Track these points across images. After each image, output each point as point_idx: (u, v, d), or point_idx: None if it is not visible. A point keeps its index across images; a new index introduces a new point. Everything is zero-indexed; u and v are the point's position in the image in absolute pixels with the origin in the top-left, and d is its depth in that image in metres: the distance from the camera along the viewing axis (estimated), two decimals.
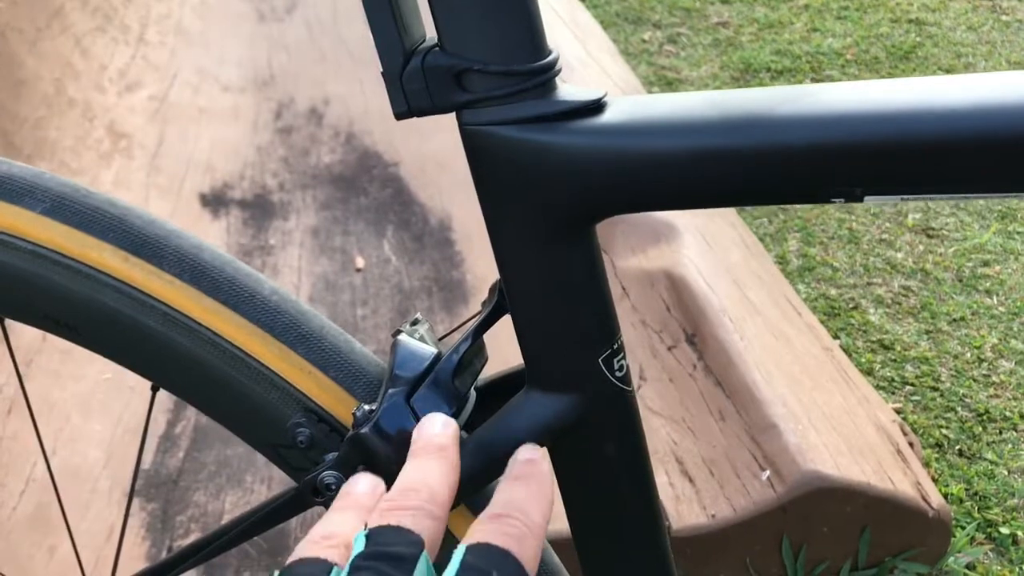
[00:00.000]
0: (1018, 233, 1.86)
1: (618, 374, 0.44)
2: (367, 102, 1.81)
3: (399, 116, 0.40)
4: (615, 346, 0.44)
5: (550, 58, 0.39)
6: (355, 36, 2.01)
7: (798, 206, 1.96)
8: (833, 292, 1.73)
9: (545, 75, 0.38)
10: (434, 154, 1.65)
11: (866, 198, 0.36)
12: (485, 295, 1.52)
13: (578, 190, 0.39)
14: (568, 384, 0.44)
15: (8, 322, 0.53)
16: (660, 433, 1.17)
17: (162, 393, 1.27)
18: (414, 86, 0.39)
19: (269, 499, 0.58)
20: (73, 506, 1.06)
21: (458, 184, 1.55)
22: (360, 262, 1.43)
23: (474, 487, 0.46)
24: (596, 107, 0.39)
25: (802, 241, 1.87)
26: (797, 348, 1.29)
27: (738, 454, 1.12)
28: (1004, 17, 2.67)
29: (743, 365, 1.18)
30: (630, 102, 0.39)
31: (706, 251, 1.38)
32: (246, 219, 1.52)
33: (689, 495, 1.10)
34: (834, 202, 0.36)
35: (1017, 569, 1.23)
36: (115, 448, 1.13)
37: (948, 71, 2.41)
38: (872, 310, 1.68)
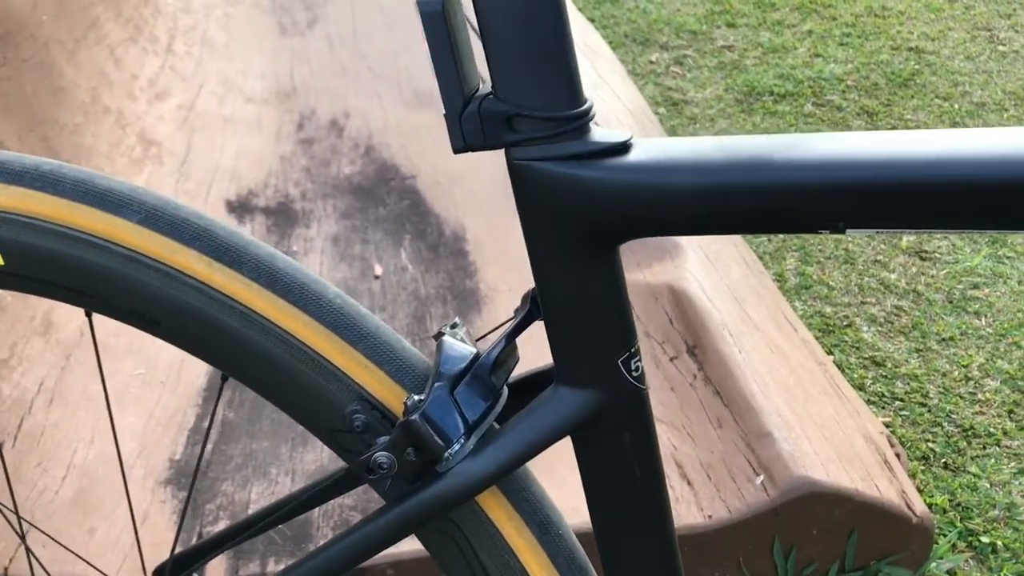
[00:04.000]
0: (1007, 257, 1.93)
1: (635, 374, 0.51)
2: (386, 116, 1.88)
3: (457, 151, 0.48)
4: (632, 350, 0.51)
5: (586, 106, 0.46)
6: (374, 52, 2.09)
7: None
8: (828, 310, 1.80)
9: (581, 120, 0.46)
10: (449, 169, 1.73)
11: (847, 231, 0.43)
12: (496, 303, 1.59)
13: (606, 217, 0.47)
14: (591, 381, 0.51)
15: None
16: (661, 438, 1.24)
17: (192, 388, 1.33)
18: (471, 126, 0.46)
19: (321, 478, 0.65)
20: (110, 492, 1.13)
21: (472, 198, 1.63)
22: (379, 269, 1.50)
23: (506, 472, 0.53)
24: (623, 148, 0.46)
25: (800, 260, 1.94)
26: (792, 362, 1.36)
27: (734, 459, 1.19)
28: (1001, 47, 2.75)
29: (741, 376, 1.25)
30: (652, 144, 0.47)
31: (708, 268, 1.45)
32: (270, 226, 1.60)
33: (687, 497, 1.18)
34: (821, 233, 0.44)
35: None
36: (148, 439, 1.20)
37: (946, 99, 2.50)
38: (865, 328, 1.75)
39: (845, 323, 1.76)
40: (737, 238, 1.66)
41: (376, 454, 0.53)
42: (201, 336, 0.56)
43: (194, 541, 1.10)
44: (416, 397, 0.53)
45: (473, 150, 0.47)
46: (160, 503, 1.13)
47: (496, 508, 0.57)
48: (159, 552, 1.00)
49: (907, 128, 2.32)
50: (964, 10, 2.97)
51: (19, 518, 0.79)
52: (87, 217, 0.55)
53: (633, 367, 0.51)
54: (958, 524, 1.37)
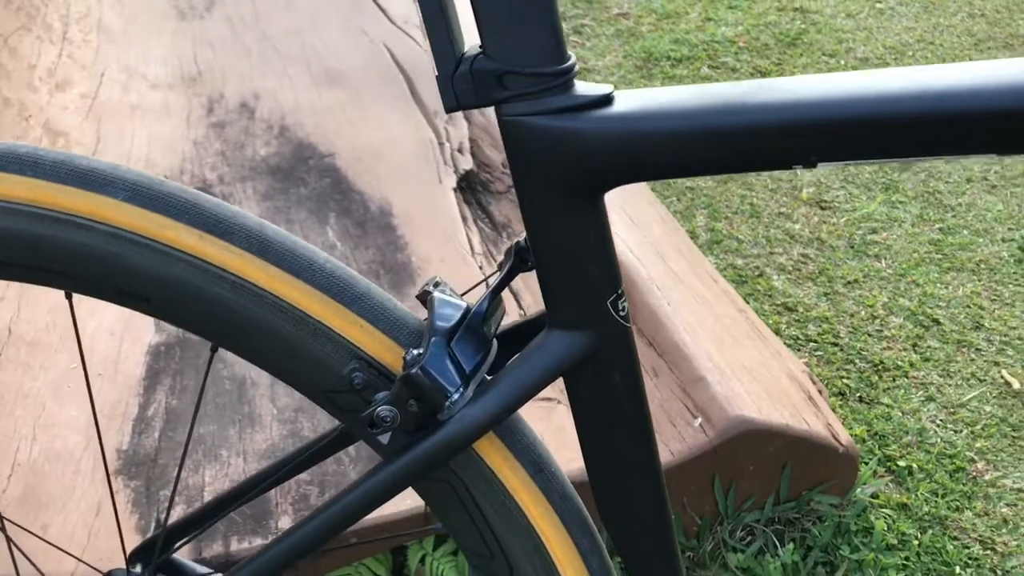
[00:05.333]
0: (900, 203, 2.05)
1: (622, 314, 0.55)
2: (296, 96, 1.87)
3: (449, 110, 0.50)
4: (620, 291, 0.55)
5: (570, 62, 0.49)
6: (278, 32, 2.07)
7: (703, 184, 2.11)
8: (740, 262, 1.88)
9: (567, 75, 0.49)
10: (367, 143, 1.73)
11: (819, 164, 0.47)
12: (430, 274, 1.63)
13: (593, 166, 0.50)
14: (583, 323, 0.55)
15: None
16: None
17: (131, 379, 1.32)
18: (463, 86, 0.49)
19: (315, 438, 0.67)
20: (59, 486, 1.11)
21: (395, 172, 1.64)
22: None
23: (506, 414, 0.56)
24: (607, 100, 0.49)
25: (709, 217, 2.02)
26: (716, 311, 1.42)
27: (672, 405, 1.25)
28: (878, 5, 2.89)
29: (672, 327, 1.31)
30: (633, 95, 0.50)
31: (632, 227, 1.51)
32: None
33: None
34: (794, 168, 0.48)
35: (914, 496, 1.39)
36: (93, 432, 1.19)
37: (832, 55, 2.61)
38: (775, 277, 1.84)
39: (756, 273, 1.85)
40: (653, 197, 1.72)
41: (379, 409, 0.56)
42: (193, 309, 0.57)
43: (152, 530, 1.10)
44: (415, 351, 0.55)
45: (465, 108, 0.50)
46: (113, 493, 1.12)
47: (493, 453, 0.60)
48: (116, 542, 1.00)
49: None
50: None
51: None
52: (69, 198, 0.55)
53: (620, 307, 0.55)
54: (876, 452, 1.46)
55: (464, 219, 1.55)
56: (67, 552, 0.79)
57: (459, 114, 1.80)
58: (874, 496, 1.37)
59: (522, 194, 0.52)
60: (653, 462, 0.60)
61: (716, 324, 1.38)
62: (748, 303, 1.76)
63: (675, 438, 1.22)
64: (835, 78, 0.48)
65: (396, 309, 0.58)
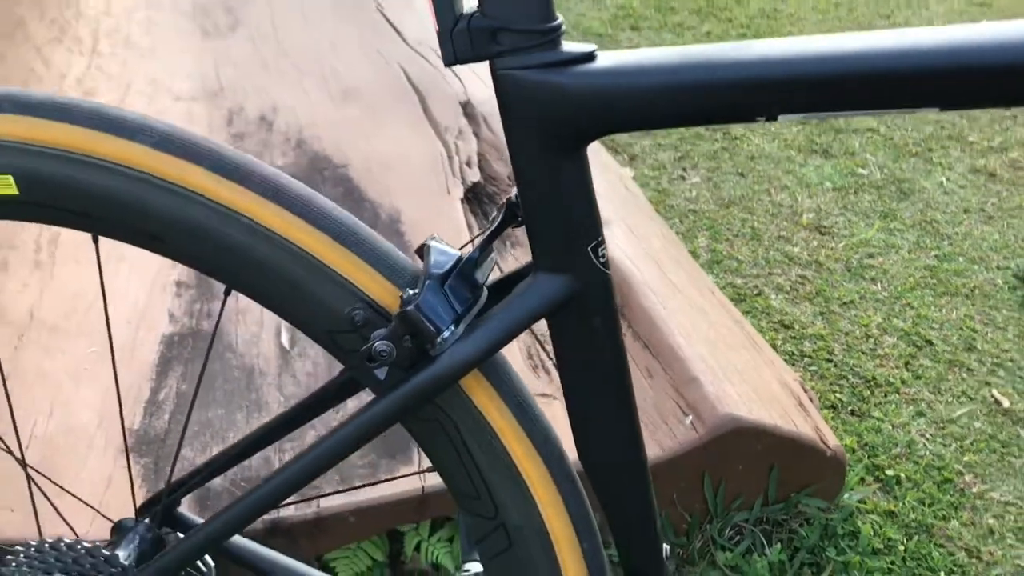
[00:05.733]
0: (898, 230, 2.10)
1: (602, 260, 0.60)
2: (314, 111, 1.94)
3: (448, 64, 0.56)
4: (600, 239, 0.60)
5: (558, 21, 0.55)
6: (297, 51, 2.15)
7: (705, 208, 2.17)
8: (739, 281, 1.93)
9: (555, 33, 0.54)
10: (379, 156, 1.80)
11: (779, 117, 0.53)
12: None
13: (576, 117, 0.55)
14: (566, 267, 0.60)
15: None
16: None
17: (145, 364, 1.36)
18: (461, 41, 0.54)
19: (318, 388, 0.72)
20: (73, 460, 1.16)
21: (403, 182, 1.70)
22: None
23: (493, 350, 0.61)
24: (590, 57, 0.55)
25: (710, 238, 2.07)
26: (712, 319, 1.47)
27: (665, 404, 1.29)
28: None
29: (666, 330, 1.36)
30: (614, 54, 0.55)
31: (631, 238, 1.56)
32: None
33: None
34: (757, 120, 0.53)
35: (901, 503, 1.43)
36: (106, 411, 1.24)
37: None
38: (773, 296, 1.88)
39: (755, 292, 1.89)
40: (655, 214, 1.78)
41: (377, 343, 0.60)
42: (205, 250, 0.62)
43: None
44: (411, 291, 0.60)
45: (462, 63, 0.55)
46: (122, 468, 1.17)
47: (480, 392, 0.64)
48: (126, 511, 1.04)
49: None
50: (848, 11, 3.17)
51: (22, 456, 0.82)
52: (102, 143, 0.61)
53: (600, 254, 0.60)
54: (865, 461, 1.50)
55: (470, 228, 1.61)
56: (84, 502, 0.83)
57: (469, 130, 1.86)
58: (861, 502, 1.41)
59: (512, 144, 0.57)
60: (629, 405, 0.65)
61: (711, 330, 1.42)
62: (745, 319, 1.81)
63: (667, 435, 1.26)
64: (793, 41, 0.53)
65: (395, 255, 0.63)
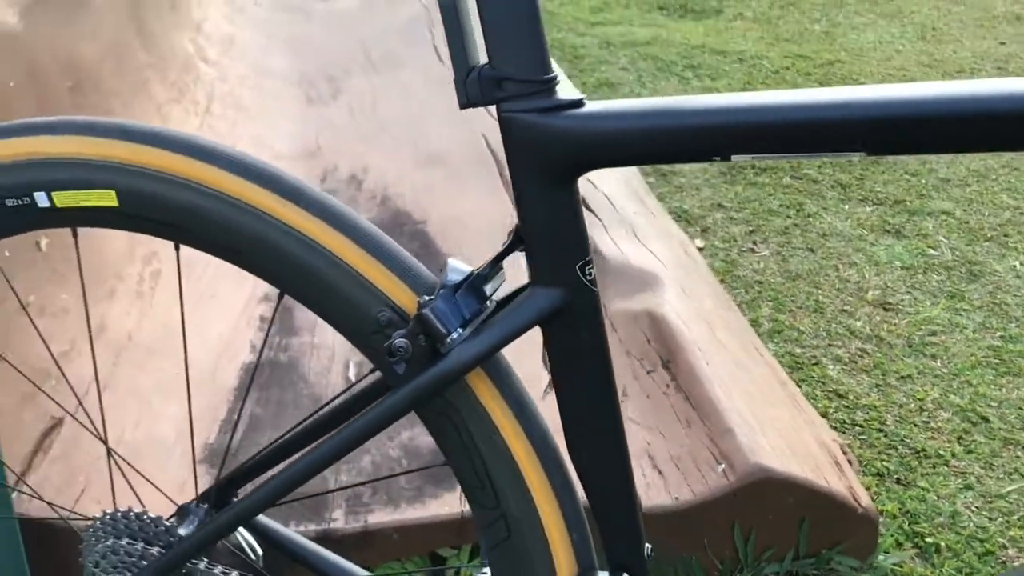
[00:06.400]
0: (964, 310, 2.12)
1: (589, 277, 0.70)
2: (400, 173, 2.10)
3: (462, 106, 0.67)
4: (587, 259, 0.69)
5: (553, 74, 0.66)
6: (391, 119, 2.32)
7: (771, 279, 2.23)
8: (798, 351, 1.98)
9: (551, 82, 0.65)
10: (456, 216, 1.93)
11: (732, 157, 0.62)
12: None
13: (568, 154, 0.66)
14: (557, 282, 0.69)
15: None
16: (637, 437, 1.41)
17: (224, 387, 1.49)
18: (473, 88, 0.66)
19: (348, 386, 0.83)
20: (153, 466, 1.29)
21: (475, 237, 1.83)
22: None
23: (494, 350, 0.71)
24: (579, 103, 0.66)
25: (774, 309, 2.13)
26: (756, 378, 1.53)
27: (699, 452, 1.36)
28: None
29: (708, 383, 1.43)
30: (598, 103, 0.66)
31: (683, 298, 1.64)
32: None
33: (658, 484, 1.33)
34: (713, 161, 0.63)
35: (939, 571, 1.44)
36: (186, 426, 1.37)
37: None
38: (831, 366, 1.92)
39: (813, 362, 1.94)
40: (710, 275, 1.85)
41: (396, 340, 0.71)
42: (271, 262, 0.74)
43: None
44: (427, 298, 0.71)
45: (474, 106, 0.67)
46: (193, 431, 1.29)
47: (484, 389, 0.74)
48: None
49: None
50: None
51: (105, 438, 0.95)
52: (191, 167, 0.74)
53: (588, 272, 0.69)
54: (906, 528, 1.52)
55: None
56: (155, 485, 0.95)
57: None
58: (897, 565, 1.43)
59: (514, 175, 0.68)
60: (614, 410, 0.74)
61: (751, 386, 1.48)
62: (800, 387, 1.85)
63: (699, 481, 1.32)
64: (743, 95, 0.63)
65: (418, 266, 0.74)
